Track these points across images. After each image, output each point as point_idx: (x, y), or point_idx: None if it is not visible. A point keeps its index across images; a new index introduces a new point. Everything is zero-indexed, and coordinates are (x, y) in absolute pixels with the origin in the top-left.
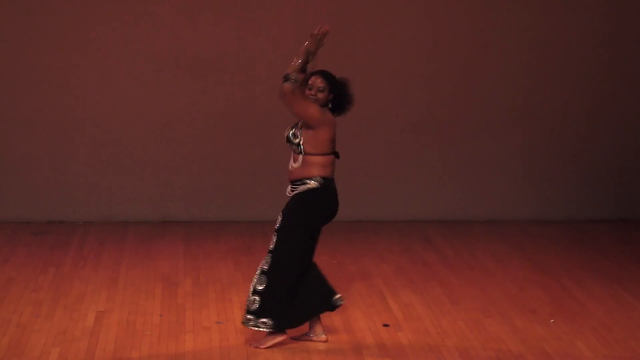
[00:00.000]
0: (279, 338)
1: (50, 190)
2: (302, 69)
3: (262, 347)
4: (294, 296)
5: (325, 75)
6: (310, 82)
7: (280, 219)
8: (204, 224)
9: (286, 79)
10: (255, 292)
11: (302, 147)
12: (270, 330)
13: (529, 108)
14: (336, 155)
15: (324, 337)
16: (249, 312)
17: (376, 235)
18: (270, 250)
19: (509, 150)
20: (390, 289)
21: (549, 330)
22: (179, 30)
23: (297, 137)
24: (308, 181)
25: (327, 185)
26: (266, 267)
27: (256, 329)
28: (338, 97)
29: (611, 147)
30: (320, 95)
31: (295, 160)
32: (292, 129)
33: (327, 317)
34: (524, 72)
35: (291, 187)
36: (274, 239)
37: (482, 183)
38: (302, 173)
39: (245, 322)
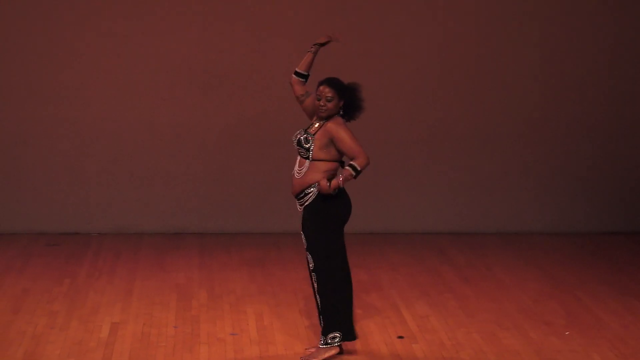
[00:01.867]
0: (332, 351)
1: (64, 202)
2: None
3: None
4: (352, 303)
5: (332, 83)
6: (318, 92)
7: (304, 238)
8: (217, 236)
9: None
10: (319, 313)
11: (311, 152)
12: (340, 343)
13: (543, 120)
14: (341, 164)
15: (338, 348)
16: (322, 333)
17: (390, 247)
18: (312, 269)
19: (523, 163)
20: (405, 300)
21: (564, 343)
22: (192, 44)
23: (309, 143)
24: (309, 190)
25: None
26: (317, 287)
27: (330, 344)
28: (348, 104)
29: (625, 160)
30: (329, 105)
31: (300, 165)
32: (304, 134)
33: None
34: (537, 85)
35: (298, 203)
36: (309, 258)
37: (496, 195)
38: (303, 181)
39: (321, 342)
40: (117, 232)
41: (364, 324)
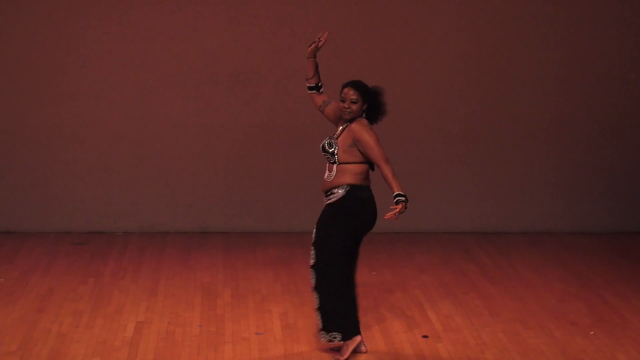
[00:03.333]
0: (352, 345)
1: (90, 201)
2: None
3: (342, 358)
4: (354, 301)
5: (357, 86)
6: (342, 94)
7: (314, 232)
8: (242, 235)
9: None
10: (316, 309)
11: (337, 156)
12: (342, 341)
13: (568, 120)
14: (371, 166)
15: (363, 347)
16: (319, 329)
17: (415, 246)
18: (312, 265)
19: (548, 162)
20: (430, 300)
21: (589, 342)
22: (218, 44)
23: (333, 147)
24: (336, 190)
25: (357, 193)
26: (313, 284)
27: (332, 342)
28: (372, 107)
29: None
30: (354, 107)
31: (329, 170)
32: (328, 139)
33: (366, 328)
34: (562, 84)
35: (325, 200)
36: (312, 253)
37: (521, 195)
38: (333, 182)
39: (322, 338)
40: (142, 231)
41: (388, 323)
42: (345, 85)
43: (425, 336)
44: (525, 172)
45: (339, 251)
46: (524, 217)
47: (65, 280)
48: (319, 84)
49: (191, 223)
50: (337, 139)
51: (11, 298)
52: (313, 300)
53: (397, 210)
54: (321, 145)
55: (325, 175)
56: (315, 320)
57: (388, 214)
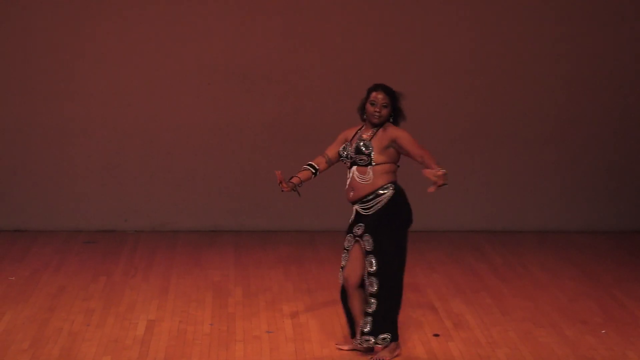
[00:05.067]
0: (398, 350)
1: (101, 200)
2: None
3: (388, 358)
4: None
5: (386, 90)
6: (372, 97)
7: (371, 240)
8: (253, 233)
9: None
10: (366, 314)
11: (372, 158)
12: (391, 342)
13: (579, 119)
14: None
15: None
16: (363, 333)
17: (427, 245)
18: (372, 272)
19: (559, 161)
20: (441, 299)
21: (600, 341)
22: (228, 42)
23: (369, 148)
24: (383, 191)
25: (400, 189)
26: (374, 290)
27: (377, 344)
28: (397, 111)
29: None
30: (384, 112)
31: (363, 174)
32: (360, 141)
33: None
34: (571, 83)
35: (362, 206)
36: (373, 261)
37: (532, 193)
38: (373, 185)
39: (362, 342)
40: (154, 230)
41: (400, 321)
42: (374, 89)
43: (436, 335)
44: (536, 171)
45: (402, 255)
46: (535, 216)
47: (76, 278)
48: (315, 173)
49: (202, 222)
50: (370, 140)
51: (22, 297)
52: (360, 303)
53: (440, 176)
54: (354, 148)
55: (358, 180)
56: (346, 321)
57: (431, 187)
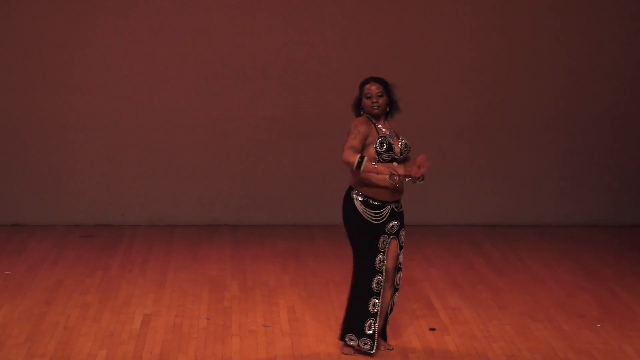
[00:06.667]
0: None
1: (98, 194)
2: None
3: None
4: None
5: (379, 80)
6: (366, 90)
7: (404, 235)
8: (250, 228)
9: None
10: (386, 315)
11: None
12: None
13: (577, 112)
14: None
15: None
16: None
17: (424, 239)
18: (400, 267)
19: (557, 155)
20: (438, 293)
21: (597, 335)
22: (227, 38)
23: (407, 145)
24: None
25: None
26: (399, 284)
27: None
28: (391, 101)
29: None
30: (381, 100)
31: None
32: (401, 140)
33: None
34: (570, 77)
35: (397, 205)
36: (401, 255)
37: (530, 188)
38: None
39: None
40: (151, 224)
41: (396, 316)
42: (365, 83)
43: (432, 329)
44: (535, 165)
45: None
46: (533, 210)
47: (73, 273)
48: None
49: (199, 216)
50: (399, 136)
51: (19, 291)
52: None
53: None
54: (402, 144)
55: (403, 175)
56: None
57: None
